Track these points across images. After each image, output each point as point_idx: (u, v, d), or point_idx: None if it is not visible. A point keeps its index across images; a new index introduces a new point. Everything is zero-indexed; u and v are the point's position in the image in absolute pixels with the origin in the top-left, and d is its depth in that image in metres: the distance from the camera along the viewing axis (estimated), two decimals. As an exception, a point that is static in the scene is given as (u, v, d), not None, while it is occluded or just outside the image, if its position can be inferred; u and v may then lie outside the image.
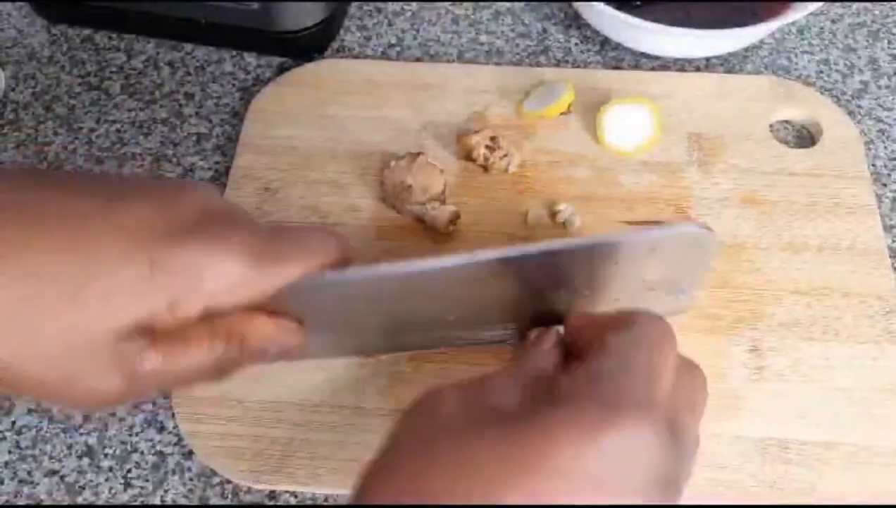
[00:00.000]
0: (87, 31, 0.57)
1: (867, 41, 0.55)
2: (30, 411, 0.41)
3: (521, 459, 0.23)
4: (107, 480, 0.39)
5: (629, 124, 0.47)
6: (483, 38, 0.56)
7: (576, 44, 0.55)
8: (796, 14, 0.49)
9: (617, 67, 0.54)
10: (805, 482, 0.37)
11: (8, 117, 0.52)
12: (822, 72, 0.53)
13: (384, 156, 0.47)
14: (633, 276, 0.33)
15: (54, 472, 0.39)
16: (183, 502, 0.38)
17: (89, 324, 0.26)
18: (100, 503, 0.38)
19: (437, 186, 0.44)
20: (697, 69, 0.53)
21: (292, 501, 0.38)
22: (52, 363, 0.26)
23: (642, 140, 0.47)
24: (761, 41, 0.55)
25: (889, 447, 0.38)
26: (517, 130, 0.49)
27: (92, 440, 0.40)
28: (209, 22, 0.53)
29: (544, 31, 0.56)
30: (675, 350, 0.28)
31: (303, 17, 0.52)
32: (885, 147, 0.50)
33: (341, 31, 0.56)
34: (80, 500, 0.38)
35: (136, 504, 0.38)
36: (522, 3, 0.58)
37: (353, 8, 0.57)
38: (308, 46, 0.54)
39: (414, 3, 0.58)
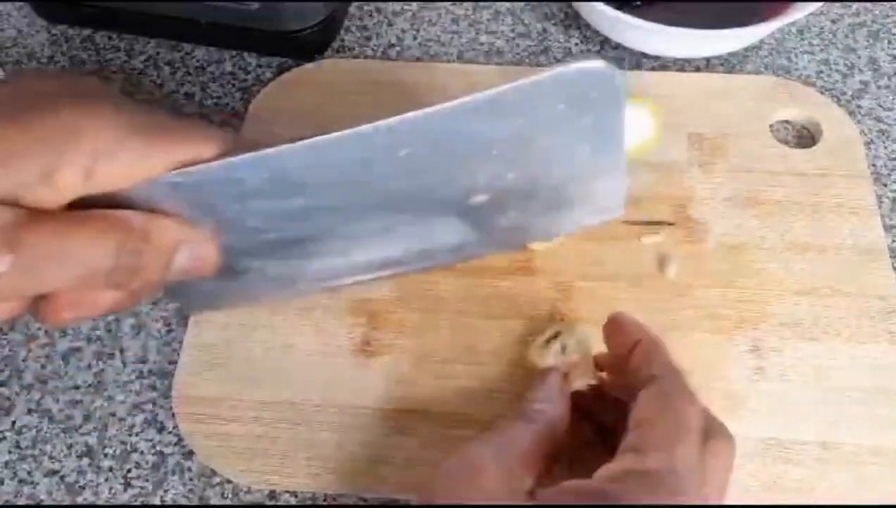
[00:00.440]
0: (87, 32, 0.57)
1: (867, 41, 0.55)
2: (30, 411, 0.41)
3: None
4: (107, 480, 0.39)
5: (629, 124, 0.47)
6: (483, 38, 0.56)
7: (576, 44, 0.55)
8: (797, 14, 0.49)
9: (617, 68, 0.53)
10: (805, 482, 0.37)
11: (8, 117, 0.52)
12: (822, 72, 0.53)
13: (384, 156, 0.47)
14: (553, 144, 0.31)
15: (54, 472, 0.39)
16: (183, 502, 0.38)
17: None
18: (100, 503, 0.38)
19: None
20: (697, 69, 0.53)
21: (292, 501, 0.38)
22: None
23: (643, 140, 0.47)
24: (761, 41, 0.55)
25: (890, 447, 0.38)
26: (517, 130, 0.49)
27: (92, 441, 0.40)
28: (209, 22, 0.53)
29: (544, 31, 0.56)
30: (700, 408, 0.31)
31: (303, 17, 0.52)
32: (885, 147, 0.50)
33: (341, 31, 0.56)
34: (80, 500, 0.38)
35: (136, 504, 0.38)
36: (522, 3, 0.58)
37: (353, 8, 0.57)
38: (308, 46, 0.54)
39: (414, 3, 0.58)
